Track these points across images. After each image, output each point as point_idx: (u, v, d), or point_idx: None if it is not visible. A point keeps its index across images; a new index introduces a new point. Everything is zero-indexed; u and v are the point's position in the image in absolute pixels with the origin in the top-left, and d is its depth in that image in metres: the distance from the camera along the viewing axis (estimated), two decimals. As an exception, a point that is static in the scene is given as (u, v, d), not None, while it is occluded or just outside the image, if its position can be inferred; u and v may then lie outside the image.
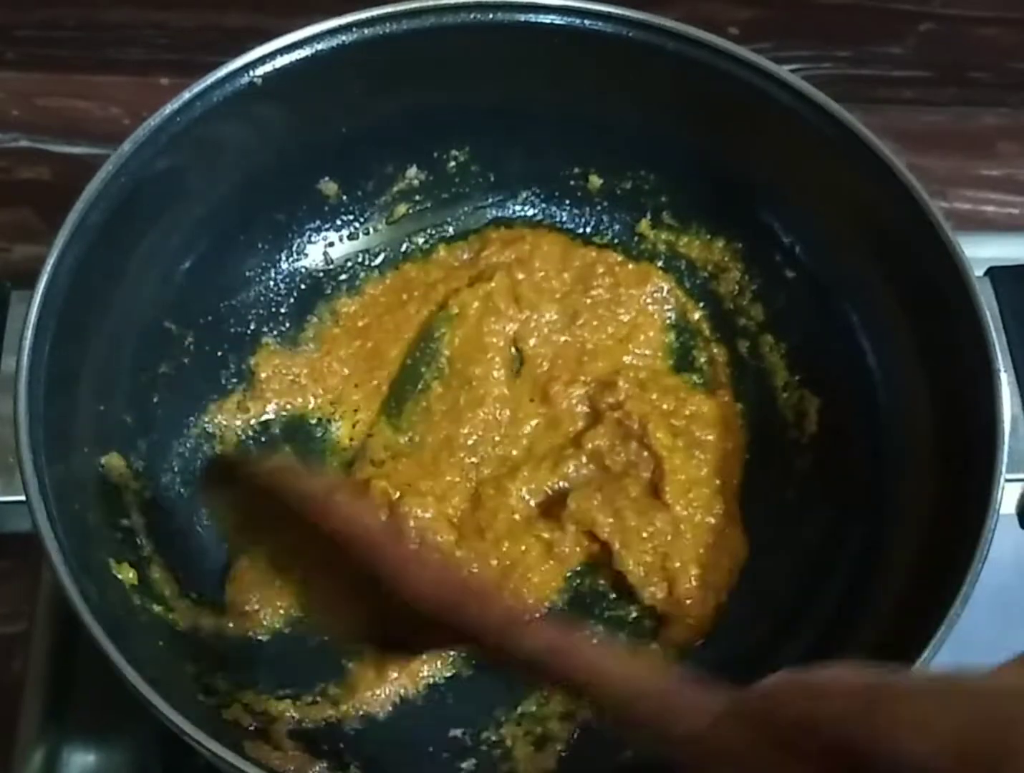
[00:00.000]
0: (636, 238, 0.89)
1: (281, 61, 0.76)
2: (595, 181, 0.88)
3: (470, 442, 0.81)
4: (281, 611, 0.75)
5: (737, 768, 0.43)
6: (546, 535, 0.77)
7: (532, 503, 0.79)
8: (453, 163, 0.87)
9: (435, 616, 0.54)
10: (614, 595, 0.78)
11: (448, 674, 0.74)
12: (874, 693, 0.39)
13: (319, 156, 0.83)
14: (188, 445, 0.79)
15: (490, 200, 0.89)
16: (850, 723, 0.38)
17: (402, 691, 0.73)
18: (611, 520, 0.77)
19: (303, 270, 0.86)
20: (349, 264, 0.87)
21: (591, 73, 0.81)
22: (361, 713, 0.72)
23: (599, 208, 0.89)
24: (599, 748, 0.72)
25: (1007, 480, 0.66)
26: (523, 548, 0.77)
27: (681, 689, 0.46)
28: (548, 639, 0.51)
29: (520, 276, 0.85)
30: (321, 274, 0.86)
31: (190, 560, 0.75)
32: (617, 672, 0.48)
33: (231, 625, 0.74)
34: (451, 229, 0.89)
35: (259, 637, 0.74)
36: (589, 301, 0.85)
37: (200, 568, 0.75)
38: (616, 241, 0.89)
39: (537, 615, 0.55)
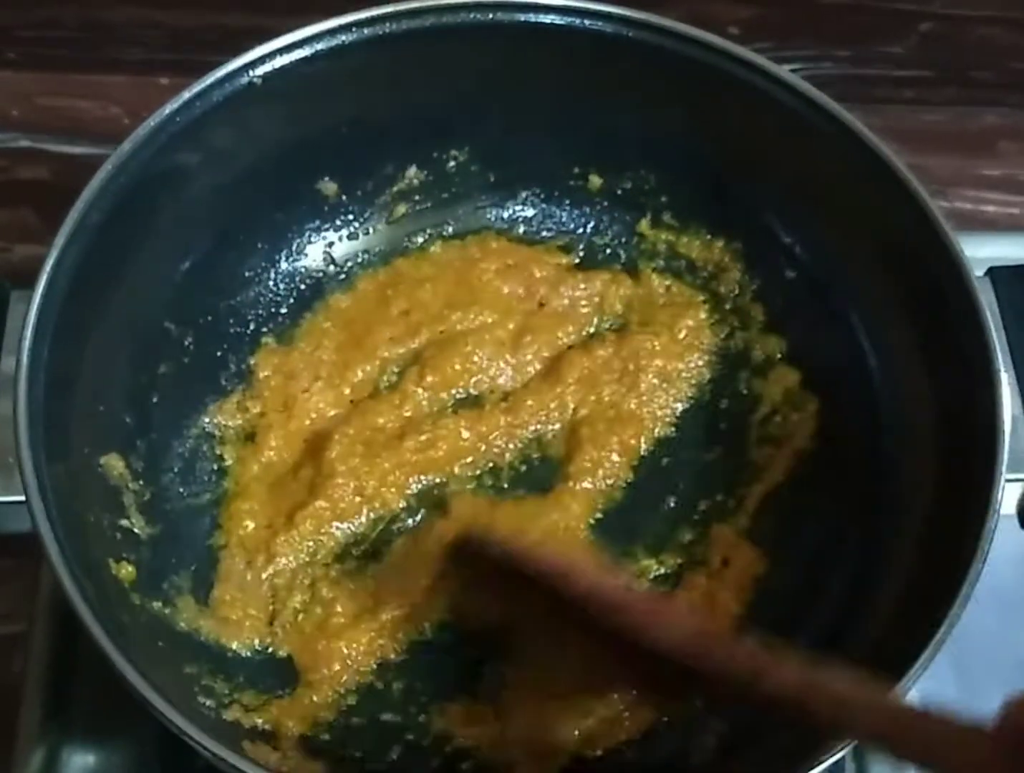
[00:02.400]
0: (636, 238, 0.89)
1: (281, 61, 0.76)
2: (595, 181, 0.88)
3: None
4: (260, 627, 0.74)
5: None
6: None
7: None
8: (453, 163, 0.87)
9: (684, 664, 0.56)
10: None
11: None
12: None
13: (319, 156, 0.83)
14: (188, 446, 0.79)
15: (490, 200, 0.89)
16: None
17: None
18: None
19: (303, 270, 0.86)
20: (349, 264, 0.87)
21: (591, 73, 0.81)
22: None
23: (599, 208, 0.89)
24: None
25: (1007, 480, 0.66)
26: None
27: (942, 725, 0.47)
28: (796, 679, 0.52)
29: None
30: (321, 274, 0.86)
31: (188, 561, 0.75)
32: (872, 709, 0.50)
33: (210, 626, 0.73)
34: (450, 229, 0.89)
35: (233, 648, 0.73)
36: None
37: (198, 569, 0.75)
38: (616, 241, 0.89)
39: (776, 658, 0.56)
